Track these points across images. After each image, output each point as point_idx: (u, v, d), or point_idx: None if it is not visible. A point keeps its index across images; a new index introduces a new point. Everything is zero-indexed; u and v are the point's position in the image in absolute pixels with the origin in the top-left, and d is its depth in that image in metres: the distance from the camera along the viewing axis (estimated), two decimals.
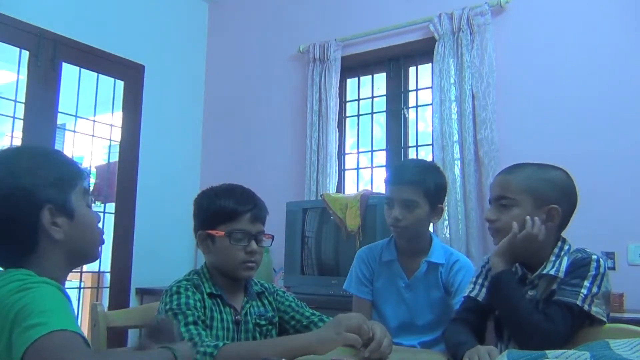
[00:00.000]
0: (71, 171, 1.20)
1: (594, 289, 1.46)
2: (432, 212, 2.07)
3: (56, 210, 1.12)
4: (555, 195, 1.58)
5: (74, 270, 1.29)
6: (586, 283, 1.46)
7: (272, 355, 1.27)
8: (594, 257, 1.51)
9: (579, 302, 1.44)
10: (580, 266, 1.50)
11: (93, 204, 1.26)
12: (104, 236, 1.28)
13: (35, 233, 1.11)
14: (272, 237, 1.71)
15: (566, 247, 1.59)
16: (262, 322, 1.65)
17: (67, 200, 1.15)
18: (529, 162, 1.67)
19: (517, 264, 1.64)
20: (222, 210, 1.63)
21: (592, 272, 1.47)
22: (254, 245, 1.61)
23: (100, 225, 1.25)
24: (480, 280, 1.71)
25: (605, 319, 1.47)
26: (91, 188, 4.21)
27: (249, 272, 1.62)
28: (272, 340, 1.56)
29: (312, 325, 1.68)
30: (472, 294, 1.70)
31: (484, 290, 1.68)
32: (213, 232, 1.61)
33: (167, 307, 1.50)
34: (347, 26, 3.79)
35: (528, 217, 1.54)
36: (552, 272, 1.54)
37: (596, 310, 1.45)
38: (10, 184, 1.10)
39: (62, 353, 0.94)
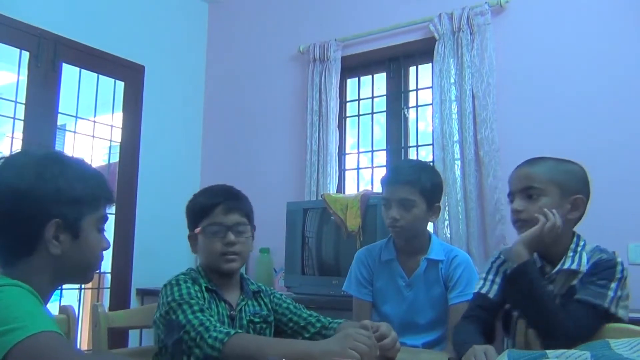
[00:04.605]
0: (97, 195, 1.18)
1: (619, 292, 1.47)
2: (429, 211, 2.08)
3: (63, 226, 1.11)
4: (579, 186, 1.63)
5: None
6: (613, 285, 1.48)
7: (277, 355, 1.28)
8: (619, 260, 1.54)
9: (606, 305, 1.45)
10: (607, 267, 1.51)
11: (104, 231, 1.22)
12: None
13: (35, 240, 1.09)
14: (252, 226, 1.70)
15: (582, 243, 1.62)
16: (257, 320, 1.66)
17: (78, 220, 1.13)
18: (545, 156, 1.70)
19: (536, 254, 1.63)
20: (196, 208, 1.69)
21: (619, 276, 1.49)
22: (230, 236, 1.62)
23: (104, 252, 1.22)
24: (490, 277, 1.71)
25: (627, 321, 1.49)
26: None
27: (230, 264, 1.63)
28: (279, 340, 1.55)
29: (309, 326, 1.68)
30: (483, 290, 1.70)
31: (495, 287, 1.68)
32: (195, 231, 1.67)
33: (169, 299, 1.52)
34: (347, 26, 3.79)
35: (546, 209, 1.55)
36: (574, 267, 1.56)
37: (622, 312, 1.47)
38: (32, 186, 1.09)
39: (50, 354, 0.91)
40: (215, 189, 1.74)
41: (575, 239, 1.62)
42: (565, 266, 1.57)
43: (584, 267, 1.54)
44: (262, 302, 1.72)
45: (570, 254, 1.59)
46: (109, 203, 1.22)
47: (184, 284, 1.56)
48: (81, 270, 1.18)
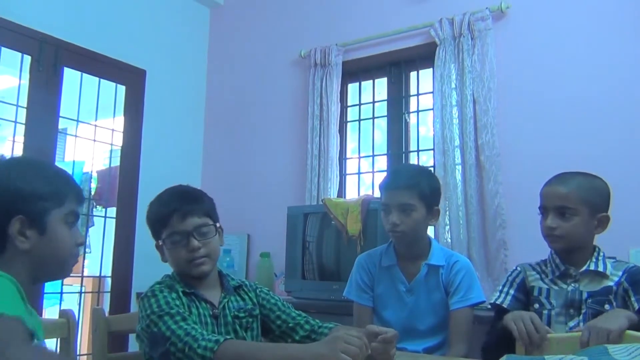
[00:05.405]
0: (61, 191, 1.22)
1: None
2: (428, 215, 2.09)
3: (28, 223, 1.16)
4: (605, 204, 1.83)
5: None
6: None
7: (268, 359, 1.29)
8: None
9: None
10: None
11: (77, 224, 1.27)
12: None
13: (3, 238, 1.15)
14: (215, 225, 1.66)
15: (602, 253, 1.86)
16: (242, 315, 1.64)
17: (42, 216, 1.18)
18: (572, 171, 1.89)
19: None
20: (154, 218, 1.68)
21: None
22: (193, 242, 1.59)
23: (79, 248, 1.27)
24: (506, 289, 1.91)
25: None
26: (93, 198, 4.20)
27: (200, 267, 1.60)
28: (271, 345, 1.55)
29: (298, 327, 1.67)
30: (498, 301, 1.89)
31: (509, 297, 1.88)
32: (158, 242, 1.66)
33: (149, 311, 1.50)
34: (348, 31, 3.80)
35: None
36: (600, 269, 1.80)
37: None
38: None
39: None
40: (167, 195, 1.69)
41: (596, 249, 1.86)
42: (591, 268, 1.81)
43: (609, 271, 1.80)
44: (245, 297, 1.70)
45: (593, 259, 1.83)
46: (77, 200, 1.26)
47: (161, 294, 1.54)
48: (55, 266, 1.22)
